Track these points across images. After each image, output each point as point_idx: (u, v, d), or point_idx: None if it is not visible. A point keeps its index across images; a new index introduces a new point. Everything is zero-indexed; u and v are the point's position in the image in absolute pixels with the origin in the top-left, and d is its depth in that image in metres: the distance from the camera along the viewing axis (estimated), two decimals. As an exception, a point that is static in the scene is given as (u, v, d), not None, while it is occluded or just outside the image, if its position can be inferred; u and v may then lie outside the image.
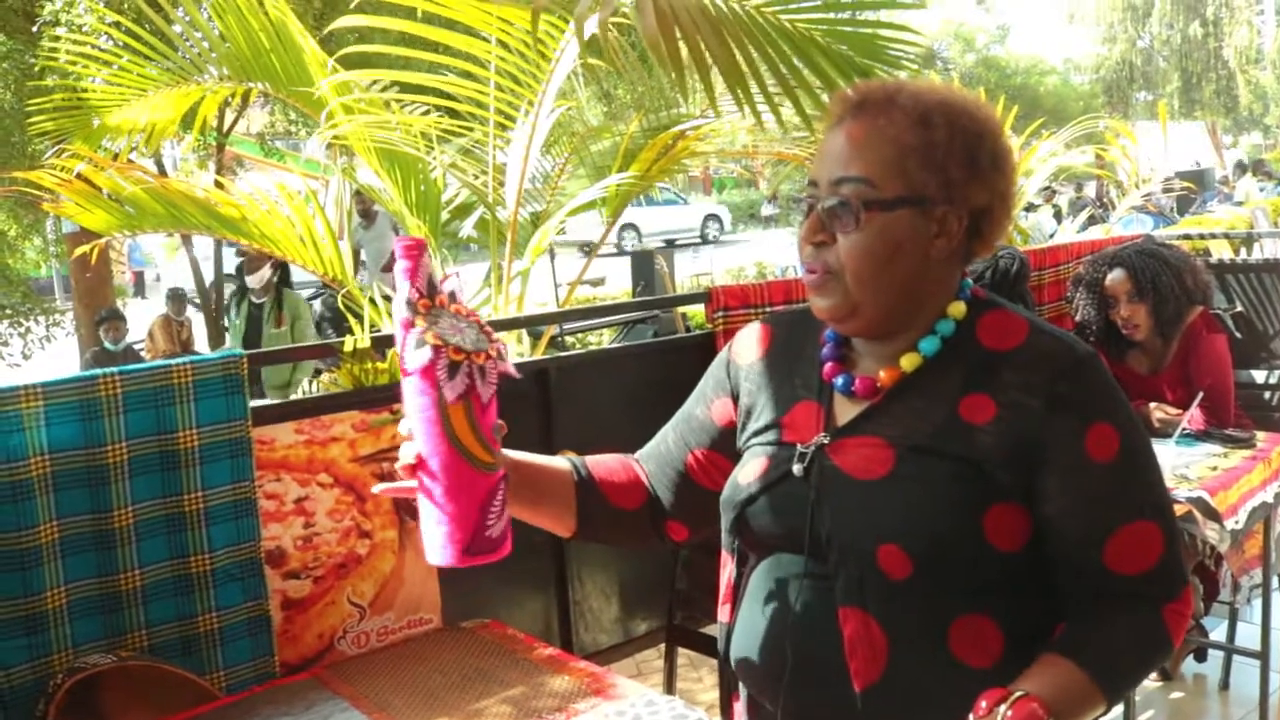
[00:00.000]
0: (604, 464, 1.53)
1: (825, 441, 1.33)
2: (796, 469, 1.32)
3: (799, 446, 1.34)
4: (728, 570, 1.45)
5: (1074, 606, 1.27)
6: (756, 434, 1.41)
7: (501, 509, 1.28)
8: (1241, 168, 22.18)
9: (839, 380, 1.35)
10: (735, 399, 1.47)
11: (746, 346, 1.48)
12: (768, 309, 3.03)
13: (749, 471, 1.38)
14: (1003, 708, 1.12)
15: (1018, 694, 1.14)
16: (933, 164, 1.24)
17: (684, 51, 2.29)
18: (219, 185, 3.57)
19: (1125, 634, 1.24)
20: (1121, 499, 1.25)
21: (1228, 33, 30.78)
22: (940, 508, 1.23)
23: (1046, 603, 1.29)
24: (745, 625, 1.39)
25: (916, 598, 1.24)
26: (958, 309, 1.32)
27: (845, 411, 1.35)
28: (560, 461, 1.50)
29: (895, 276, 1.26)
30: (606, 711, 1.80)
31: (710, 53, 2.31)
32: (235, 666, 2.12)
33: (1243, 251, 6.50)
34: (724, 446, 1.48)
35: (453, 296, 1.28)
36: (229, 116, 10.05)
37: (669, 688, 2.71)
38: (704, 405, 1.51)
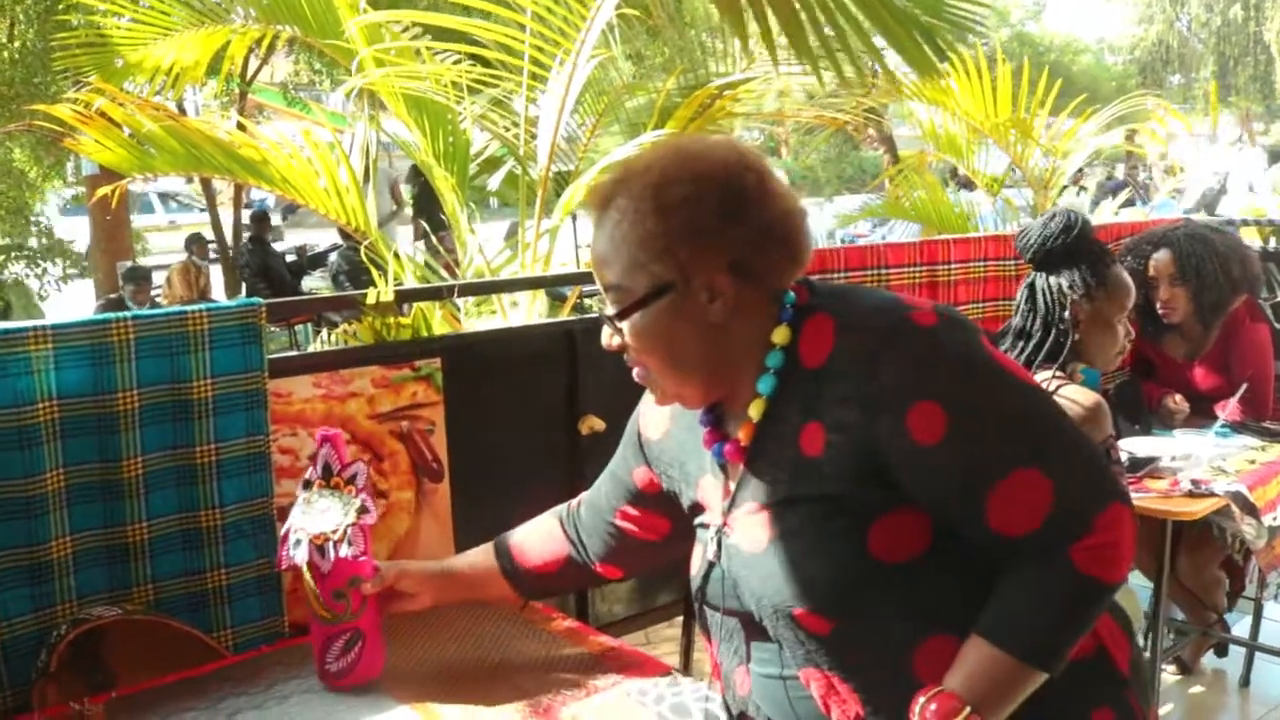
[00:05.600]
0: (529, 545, 1.69)
1: (720, 523, 1.33)
2: (710, 554, 1.34)
3: (710, 530, 1.36)
4: (709, 650, 1.47)
5: (997, 578, 1.21)
6: (691, 514, 1.44)
7: (341, 654, 1.68)
8: (1275, 156, 21.88)
9: (714, 451, 1.34)
10: (655, 471, 1.51)
11: (652, 421, 1.49)
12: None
13: (694, 560, 1.41)
14: (922, 700, 1.16)
15: (936, 689, 1.16)
16: (659, 251, 1.21)
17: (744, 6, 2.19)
18: (241, 129, 3.49)
19: (1031, 595, 1.17)
20: (975, 465, 1.17)
21: (1269, 16, 30.24)
22: (823, 556, 1.21)
23: (986, 586, 1.22)
24: (733, 699, 1.42)
25: (858, 643, 1.22)
26: (781, 334, 1.26)
27: (734, 479, 1.34)
28: (486, 558, 1.71)
29: (689, 356, 1.26)
30: (628, 689, 1.73)
31: (770, 2, 2.20)
32: (243, 625, 2.07)
33: (1272, 241, 6.37)
34: (648, 503, 1.55)
35: (353, 479, 1.69)
36: (253, 64, 9.95)
37: (685, 662, 2.65)
38: (625, 468, 1.58)
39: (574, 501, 1.71)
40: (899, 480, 1.19)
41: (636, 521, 1.58)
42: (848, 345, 1.21)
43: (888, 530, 1.20)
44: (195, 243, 9.87)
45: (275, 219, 13.33)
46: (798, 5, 2.32)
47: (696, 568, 1.39)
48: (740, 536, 1.30)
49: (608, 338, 1.31)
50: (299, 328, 8.94)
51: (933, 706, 1.15)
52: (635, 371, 1.33)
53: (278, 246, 10.89)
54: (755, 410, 1.27)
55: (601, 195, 1.27)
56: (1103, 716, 1.28)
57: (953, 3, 2.74)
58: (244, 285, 10.14)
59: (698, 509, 1.41)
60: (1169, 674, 3.53)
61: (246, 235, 10.70)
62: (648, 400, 1.50)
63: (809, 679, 1.26)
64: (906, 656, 1.21)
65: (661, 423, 1.47)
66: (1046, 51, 29.76)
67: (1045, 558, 1.18)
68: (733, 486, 1.33)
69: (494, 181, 3.99)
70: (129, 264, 8.65)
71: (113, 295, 8.40)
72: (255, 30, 3.76)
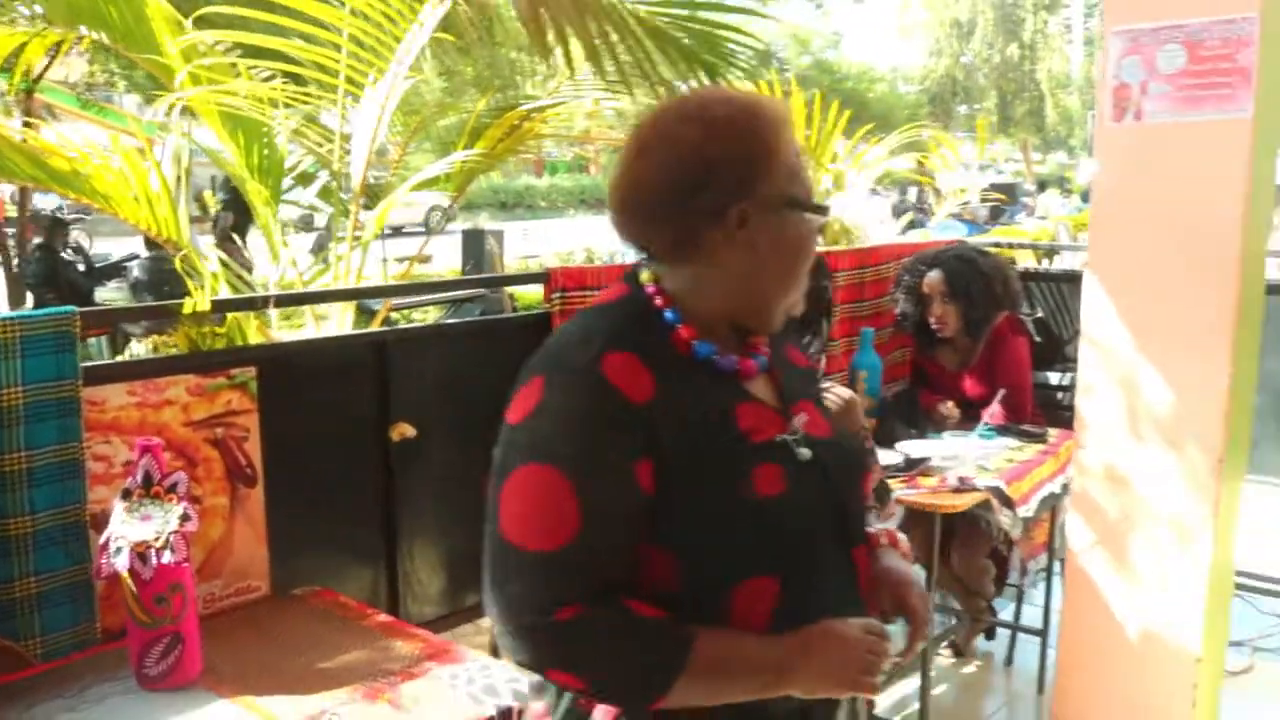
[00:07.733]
0: None
1: (804, 419, 1.38)
2: (804, 454, 1.34)
3: (785, 436, 1.34)
4: (767, 598, 1.28)
5: None
6: (724, 449, 1.30)
7: (161, 658, 1.77)
8: (1042, 185, 23.82)
9: (760, 360, 1.40)
10: (654, 442, 1.26)
11: (635, 385, 1.27)
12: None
13: (761, 482, 1.28)
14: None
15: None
16: None
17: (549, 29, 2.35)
18: (29, 127, 3.37)
19: None
20: None
21: (1042, 57, 32.71)
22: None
23: None
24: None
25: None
26: None
27: (762, 392, 1.39)
28: None
29: None
30: (441, 674, 1.84)
31: (572, 29, 2.36)
32: (54, 633, 2.05)
33: (1045, 261, 6.98)
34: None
35: (174, 487, 1.82)
36: (42, 60, 9.43)
37: (495, 653, 2.75)
38: (630, 482, 1.25)
39: (598, 598, 1.25)
40: None
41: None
42: None
43: None
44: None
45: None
46: (597, 40, 2.50)
47: (779, 485, 1.29)
48: (814, 427, 1.40)
49: None
50: (92, 341, 8.52)
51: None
52: None
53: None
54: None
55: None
56: None
57: (725, 39, 2.97)
58: (29, 295, 9.59)
59: (741, 438, 1.31)
60: (943, 657, 3.86)
61: (35, 241, 10.13)
62: (619, 373, 1.27)
63: (858, 556, 1.41)
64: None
65: (642, 385, 1.27)
66: (844, 79, 31.18)
67: None
68: (769, 397, 1.39)
69: (307, 195, 4.00)
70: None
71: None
72: (56, 34, 3.65)
